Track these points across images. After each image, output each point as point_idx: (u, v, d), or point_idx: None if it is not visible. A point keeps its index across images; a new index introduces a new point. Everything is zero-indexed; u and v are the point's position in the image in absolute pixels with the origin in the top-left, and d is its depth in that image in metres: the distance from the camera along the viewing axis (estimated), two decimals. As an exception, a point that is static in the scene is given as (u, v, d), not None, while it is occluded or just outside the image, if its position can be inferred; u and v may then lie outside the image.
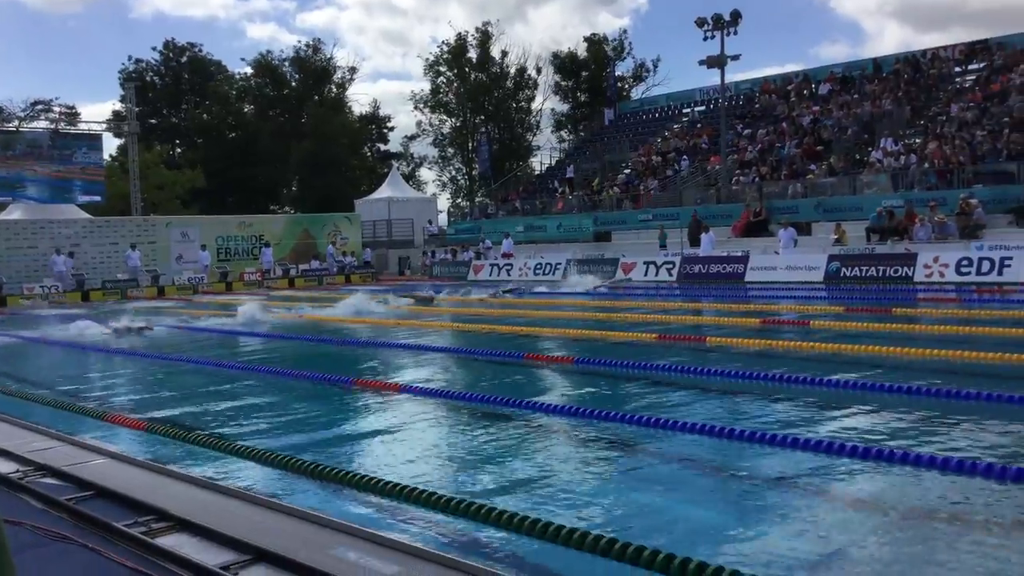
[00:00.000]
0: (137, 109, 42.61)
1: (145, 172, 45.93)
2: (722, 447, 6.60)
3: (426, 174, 66.17)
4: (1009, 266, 19.51)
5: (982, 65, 31.32)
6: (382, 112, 67.46)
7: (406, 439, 7.40)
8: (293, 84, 61.53)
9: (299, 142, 57.32)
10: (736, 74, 59.51)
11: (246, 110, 62.22)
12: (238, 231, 36.01)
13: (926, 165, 25.63)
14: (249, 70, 61.94)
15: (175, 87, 62.38)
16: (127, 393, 10.45)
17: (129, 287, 30.70)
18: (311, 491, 5.68)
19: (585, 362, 10.86)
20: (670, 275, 25.46)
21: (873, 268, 21.60)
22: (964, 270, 20.15)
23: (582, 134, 51.30)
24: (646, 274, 26.20)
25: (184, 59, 62.71)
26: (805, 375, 9.09)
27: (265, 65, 60.96)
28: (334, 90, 62.78)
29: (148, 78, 60.68)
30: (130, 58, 61.69)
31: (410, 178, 60.28)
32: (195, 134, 61.80)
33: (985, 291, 18.52)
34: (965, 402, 7.68)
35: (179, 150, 62.61)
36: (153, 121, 60.89)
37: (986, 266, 19.86)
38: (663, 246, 28.37)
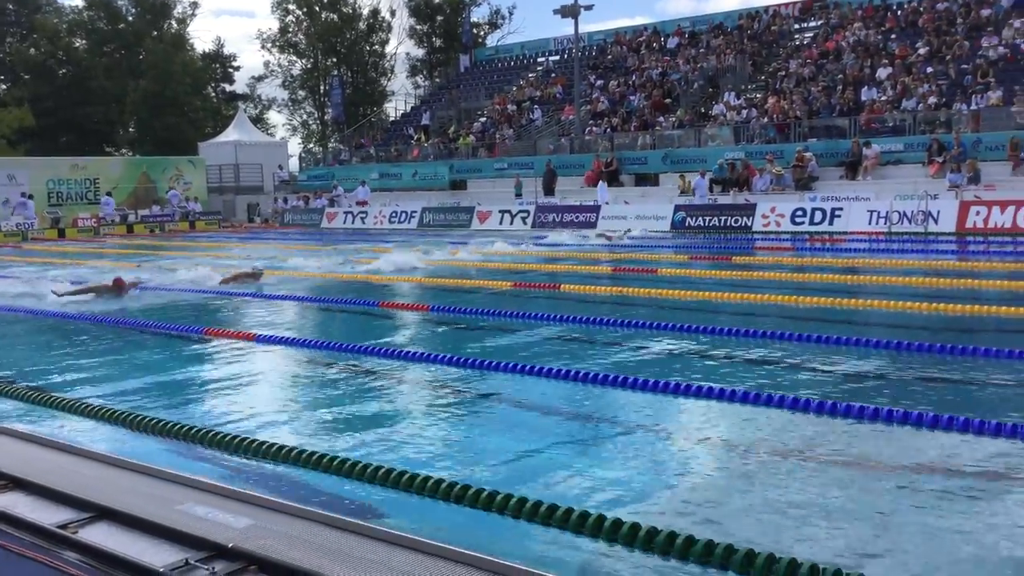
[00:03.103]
0: (-47, 40, 39.13)
1: (-35, 110, 42.47)
2: (570, 390, 6.79)
3: (275, 117, 64.14)
4: (839, 216, 20.76)
5: (818, 23, 32.79)
6: (226, 50, 64.61)
7: (260, 390, 7.25)
8: (129, 19, 57.85)
9: (137, 81, 54.19)
10: (589, 25, 60.22)
11: (78, 45, 58.14)
12: (71, 174, 33.86)
13: (765, 119, 26.79)
14: (80, 3, 57.84)
15: (-2, 18, 57.59)
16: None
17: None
18: (159, 448, 5.51)
19: (441, 310, 10.89)
20: (525, 224, 25.75)
21: (716, 218, 22.53)
22: (799, 220, 21.30)
23: (438, 80, 50.71)
24: (500, 223, 26.40)
25: (7, -12, 57.90)
26: (654, 320, 9.42)
27: (98, -3, 57.01)
28: (174, 26, 59.46)
29: (-34, 8, 55.79)
30: (-54, -15, 56.46)
31: (258, 121, 58.10)
32: (22, 70, 57.36)
33: (817, 240, 19.66)
34: (798, 343, 8.17)
35: (4, 87, 58.02)
36: (-27, 55, 56.15)
37: (819, 216, 21.07)
38: (518, 195, 28.60)
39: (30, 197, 31.10)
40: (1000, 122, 22.31)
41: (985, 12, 27.02)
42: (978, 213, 19.09)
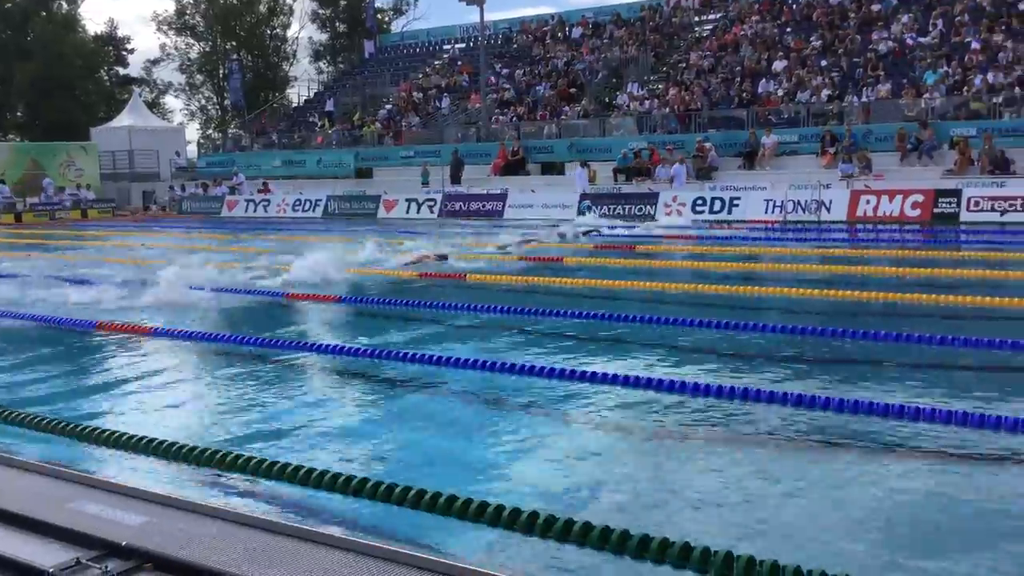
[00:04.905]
0: None
1: None
2: (480, 380, 6.81)
3: (172, 102, 62.27)
4: (738, 205, 21.34)
5: (718, 16, 33.53)
6: (120, 32, 62.30)
7: (162, 387, 7.05)
8: (16, -1, 55.31)
9: (24, 63, 51.83)
10: (494, 13, 60.25)
11: (-41, 25, 55.28)
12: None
13: (667, 110, 27.29)
14: (-38, -20, 54.89)
15: None
16: None
17: None
18: (48, 446, 5.31)
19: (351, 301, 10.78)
20: (431, 212, 25.65)
21: (620, 206, 22.85)
22: (699, 209, 21.79)
23: (342, 66, 50.01)
24: (408, 211, 26.24)
25: None
26: (560, 309, 9.51)
27: (-19, -25, 54.22)
28: (64, 6, 57.09)
29: None
30: None
31: (154, 106, 56.26)
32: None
33: (716, 227, 20.14)
34: (698, 329, 8.37)
35: None
36: None
37: (718, 205, 21.60)
38: (425, 183, 28.45)
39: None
40: (889, 114, 23.25)
41: (875, 7, 28.06)
42: (868, 202, 19.86)
